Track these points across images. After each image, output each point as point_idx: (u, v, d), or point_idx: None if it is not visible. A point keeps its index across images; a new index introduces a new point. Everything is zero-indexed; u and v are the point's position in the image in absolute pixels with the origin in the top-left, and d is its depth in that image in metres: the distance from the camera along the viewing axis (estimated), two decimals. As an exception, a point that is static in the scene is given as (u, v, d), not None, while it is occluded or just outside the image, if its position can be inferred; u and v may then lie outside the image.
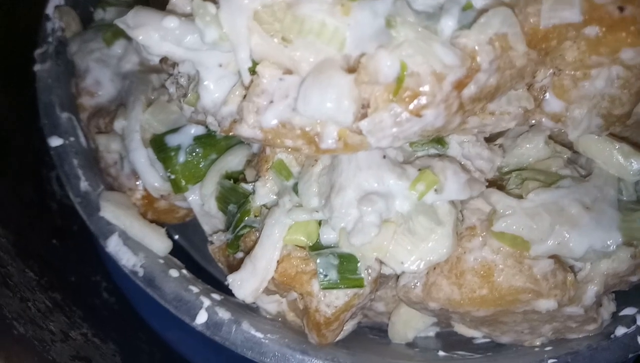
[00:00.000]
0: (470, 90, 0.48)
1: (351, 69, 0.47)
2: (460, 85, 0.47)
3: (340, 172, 0.55)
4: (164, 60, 0.60)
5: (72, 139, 0.74)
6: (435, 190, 0.53)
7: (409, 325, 0.66)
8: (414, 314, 0.65)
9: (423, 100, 0.46)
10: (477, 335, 0.65)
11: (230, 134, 0.53)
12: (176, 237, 0.82)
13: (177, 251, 0.71)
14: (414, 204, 0.53)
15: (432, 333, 0.69)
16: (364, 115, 0.48)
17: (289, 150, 0.58)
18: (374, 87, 0.47)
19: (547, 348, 0.62)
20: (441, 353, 0.65)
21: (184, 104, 0.59)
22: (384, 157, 0.55)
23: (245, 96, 0.51)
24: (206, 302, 0.64)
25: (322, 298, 0.56)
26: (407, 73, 0.46)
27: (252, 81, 0.51)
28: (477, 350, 0.65)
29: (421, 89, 0.46)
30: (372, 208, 0.52)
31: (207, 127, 0.65)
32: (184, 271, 0.68)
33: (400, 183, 0.53)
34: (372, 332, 0.71)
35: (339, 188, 0.54)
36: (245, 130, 0.51)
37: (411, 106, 0.46)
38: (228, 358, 0.77)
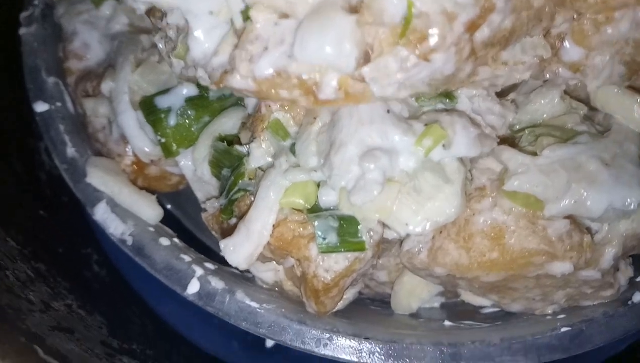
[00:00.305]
0: (483, 33, 0.44)
1: (353, 9, 0.44)
2: (472, 26, 0.43)
3: (340, 128, 0.51)
4: (151, 11, 0.57)
5: (58, 104, 0.71)
6: (443, 145, 0.50)
7: (413, 294, 0.63)
8: (418, 282, 0.62)
9: (432, 42, 0.43)
10: (486, 303, 0.62)
11: (221, 85, 0.49)
12: (168, 206, 0.79)
13: (170, 221, 0.69)
14: (420, 161, 0.50)
15: (437, 304, 0.66)
16: (367, 61, 0.44)
17: (285, 104, 0.55)
18: (378, 28, 0.43)
19: (560, 316, 0.59)
20: (447, 322, 0.62)
21: (173, 58, 0.55)
22: (388, 111, 0.51)
23: (237, 44, 0.48)
24: (198, 271, 0.61)
25: (321, 263, 0.53)
26: (415, 13, 0.42)
27: (244, 27, 0.47)
28: (485, 320, 0.62)
29: (430, 30, 0.43)
30: (375, 164, 0.49)
31: (199, 86, 0.62)
32: (176, 239, 0.65)
33: (405, 138, 0.50)
34: (374, 303, 0.68)
35: (339, 145, 0.50)
36: (237, 81, 0.48)
37: (419, 49, 0.43)
38: (224, 331, 0.75)
